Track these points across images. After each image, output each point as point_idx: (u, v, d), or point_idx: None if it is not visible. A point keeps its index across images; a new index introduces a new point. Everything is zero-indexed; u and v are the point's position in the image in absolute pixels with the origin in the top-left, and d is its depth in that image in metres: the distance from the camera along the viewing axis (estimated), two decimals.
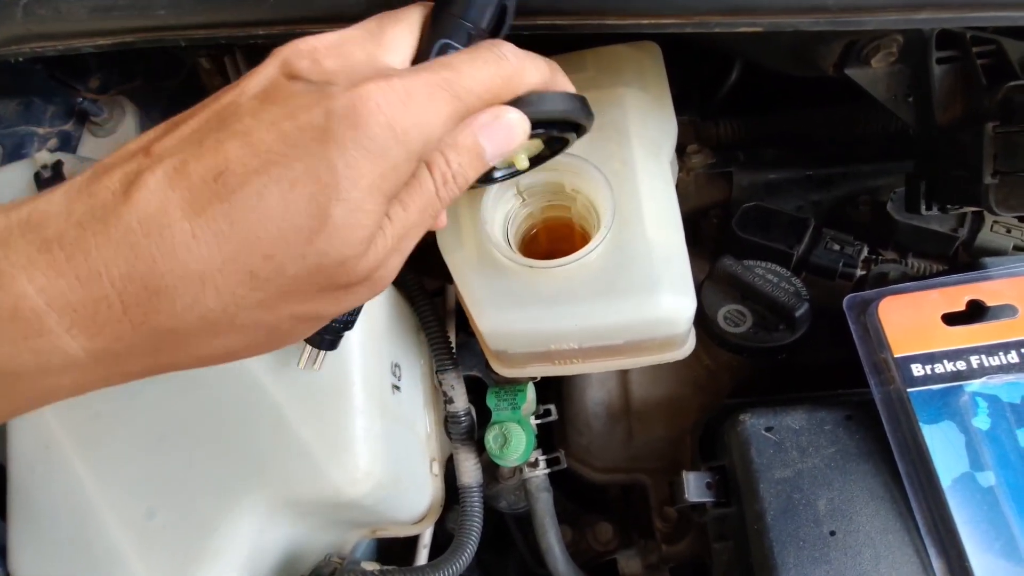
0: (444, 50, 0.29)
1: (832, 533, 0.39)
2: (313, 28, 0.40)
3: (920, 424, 0.39)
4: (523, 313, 0.40)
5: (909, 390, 0.40)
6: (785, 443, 0.42)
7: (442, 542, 0.60)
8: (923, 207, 0.50)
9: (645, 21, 0.35)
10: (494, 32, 0.32)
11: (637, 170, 0.43)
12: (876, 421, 0.41)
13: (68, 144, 0.58)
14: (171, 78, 0.61)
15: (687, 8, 0.34)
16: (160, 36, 0.42)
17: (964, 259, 0.60)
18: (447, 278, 0.65)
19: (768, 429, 0.43)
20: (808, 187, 0.67)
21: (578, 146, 0.45)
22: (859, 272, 0.59)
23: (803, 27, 0.35)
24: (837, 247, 0.60)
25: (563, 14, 0.35)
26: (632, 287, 0.40)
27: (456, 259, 0.43)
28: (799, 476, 0.41)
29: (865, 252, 0.60)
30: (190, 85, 0.60)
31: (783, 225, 0.61)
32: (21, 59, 0.44)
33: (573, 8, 0.35)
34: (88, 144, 0.58)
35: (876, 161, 0.66)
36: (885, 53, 0.45)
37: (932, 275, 0.57)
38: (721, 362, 0.58)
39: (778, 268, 0.57)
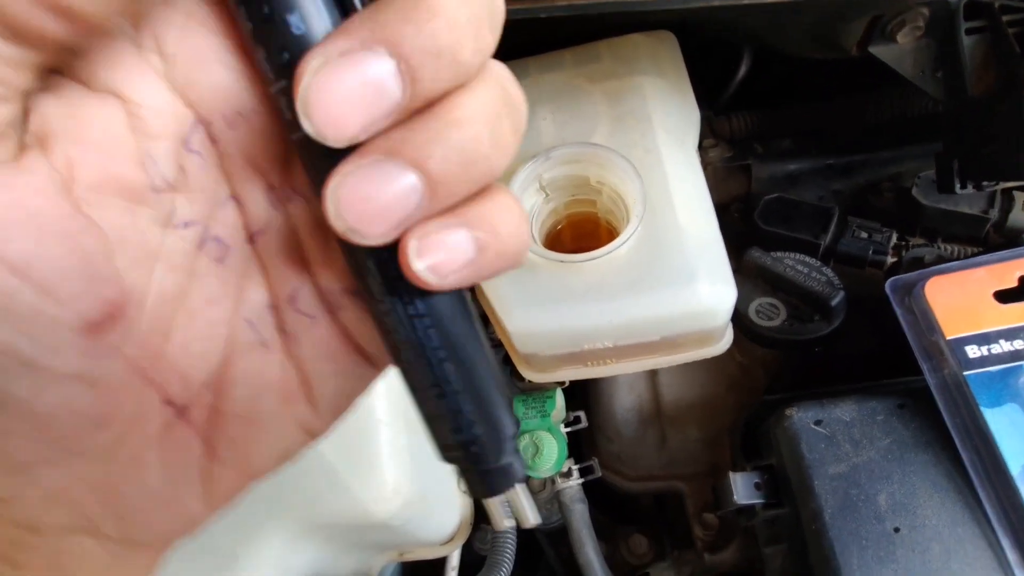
0: None
1: (896, 530, 0.36)
2: None
3: (981, 408, 0.37)
4: (555, 311, 0.38)
5: (966, 373, 0.38)
6: (837, 436, 0.40)
7: (469, 562, 0.57)
8: (957, 186, 0.48)
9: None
10: None
11: (663, 157, 0.41)
12: (931, 408, 0.39)
13: None
14: None
15: None
16: None
17: (996, 240, 0.59)
18: None
19: (817, 423, 0.41)
20: (829, 176, 0.65)
21: (600, 135, 0.43)
22: (890, 259, 0.57)
23: None
24: (865, 235, 0.58)
25: None
26: (668, 278, 0.38)
27: None
28: (855, 471, 0.38)
29: (894, 239, 0.58)
30: None
31: (807, 215, 0.60)
32: None
33: None
34: None
35: (896, 147, 0.64)
36: (911, 27, 0.43)
37: (968, 257, 0.55)
38: (754, 358, 0.56)
39: (807, 258, 0.55)
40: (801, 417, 0.41)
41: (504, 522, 0.22)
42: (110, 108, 0.15)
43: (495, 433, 0.19)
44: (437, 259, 0.15)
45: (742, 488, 0.41)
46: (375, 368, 0.20)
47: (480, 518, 0.56)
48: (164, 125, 0.15)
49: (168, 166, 0.16)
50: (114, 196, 0.15)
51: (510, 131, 0.15)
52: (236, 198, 0.17)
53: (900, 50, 0.45)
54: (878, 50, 0.46)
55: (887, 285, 0.42)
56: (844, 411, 0.41)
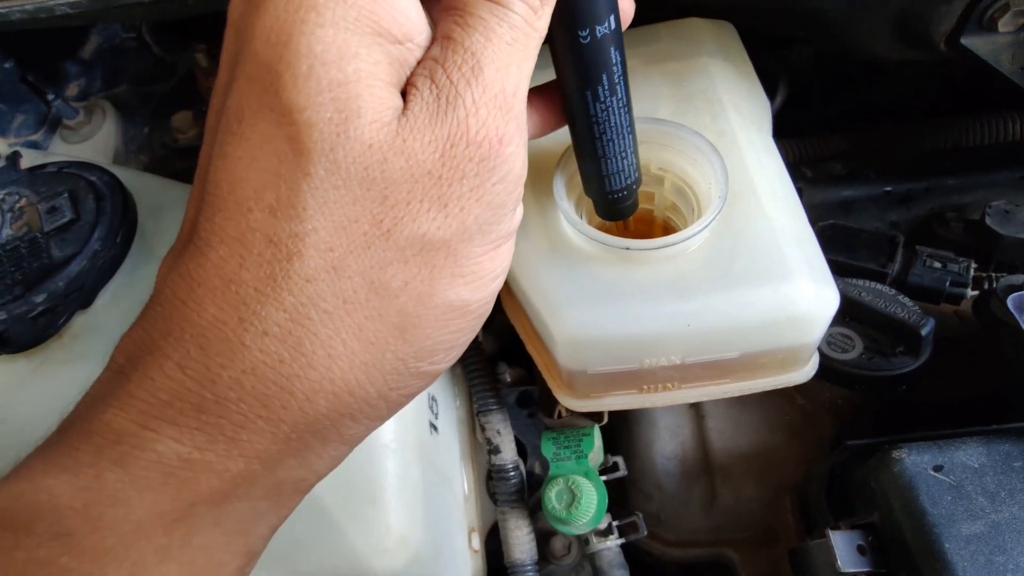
0: None
1: None
2: None
3: None
4: (615, 312, 0.31)
5: None
6: (965, 487, 0.31)
7: None
8: None
9: None
10: None
11: (739, 141, 0.35)
12: None
13: None
14: (161, 82, 0.53)
15: None
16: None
17: None
18: None
19: (937, 469, 0.32)
20: (886, 204, 0.60)
21: (661, 117, 0.37)
22: (970, 292, 0.50)
23: None
24: (938, 264, 0.51)
25: None
26: (760, 275, 0.30)
27: (521, 251, 0.33)
28: (996, 531, 0.30)
29: (973, 269, 0.51)
30: (186, 89, 0.53)
31: (868, 243, 0.53)
32: None
33: None
34: (58, 150, 0.49)
35: (959, 175, 0.59)
36: (1015, 13, 0.38)
37: None
38: (820, 401, 0.48)
39: (880, 286, 0.48)
40: (915, 461, 0.33)
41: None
42: None
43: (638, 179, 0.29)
44: None
45: (844, 552, 0.32)
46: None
47: None
48: None
49: None
50: None
51: None
52: None
53: (998, 42, 0.40)
54: (972, 41, 0.40)
55: (1010, 301, 0.35)
56: (969, 455, 0.33)
